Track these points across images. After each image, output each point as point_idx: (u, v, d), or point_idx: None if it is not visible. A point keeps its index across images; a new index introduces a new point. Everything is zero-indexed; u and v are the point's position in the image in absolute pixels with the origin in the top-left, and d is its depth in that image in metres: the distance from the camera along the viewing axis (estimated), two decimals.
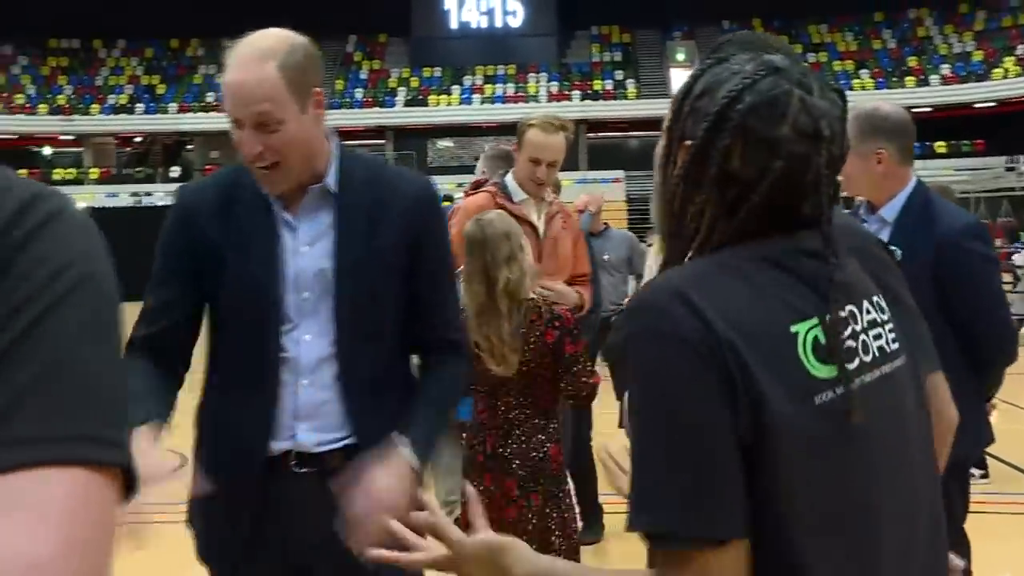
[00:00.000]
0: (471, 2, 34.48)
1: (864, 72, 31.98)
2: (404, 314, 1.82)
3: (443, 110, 32.41)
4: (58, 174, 30.56)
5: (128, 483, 0.63)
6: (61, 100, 33.08)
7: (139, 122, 32.83)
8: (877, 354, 1.01)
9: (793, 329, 0.95)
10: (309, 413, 1.77)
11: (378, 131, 31.67)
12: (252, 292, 1.76)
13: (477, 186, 3.59)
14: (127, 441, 0.63)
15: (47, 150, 33.86)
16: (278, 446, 1.77)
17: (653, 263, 3.77)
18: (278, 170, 1.70)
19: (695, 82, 1.05)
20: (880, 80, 31.24)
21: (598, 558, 4.25)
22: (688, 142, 1.02)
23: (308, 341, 1.77)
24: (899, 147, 2.58)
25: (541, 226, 3.39)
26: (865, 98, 3.06)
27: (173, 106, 33.11)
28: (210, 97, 33.39)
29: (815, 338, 0.96)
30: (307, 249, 1.77)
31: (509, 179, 3.38)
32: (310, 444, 1.77)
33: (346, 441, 1.78)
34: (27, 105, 32.72)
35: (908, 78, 31.41)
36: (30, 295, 0.62)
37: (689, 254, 1.04)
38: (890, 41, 33.63)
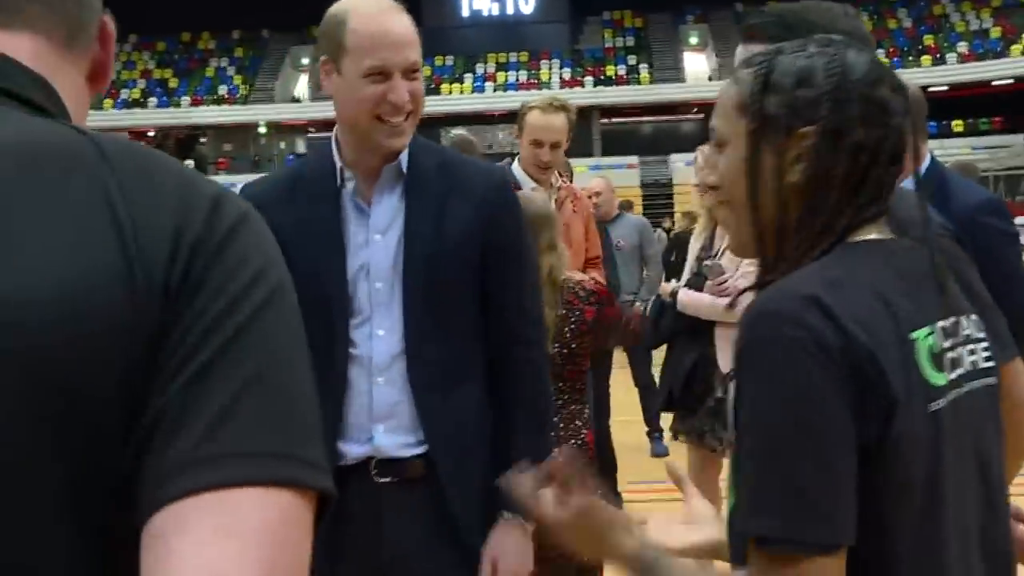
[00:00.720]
0: None
1: (879, 52, 31.59)
2: (478, 309, 1.76)
3: (456, 99, 32.34)
4: None
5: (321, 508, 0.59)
6: None
7: (152, 116, 32.90)
8: (970, 369, 1.04)
9: (912, 336, 0.97)
10: (385, 414, 1.71)
11: None
12: (318, 280, 1.69)
13: None
14: (326, 462, 0.60)
15: None
16: (357, 451, 1.71)
17: (696, 246, 3.70)
18: (410, 120, 1.71)
19: (767, 80, 1.04)
20: (895, 59, 30.94)
21: None
22: (807, 128, 1.02)
23: (381, 336, 1.71)
24: (912, 123, 2.52)
25: None
26: None
27: (186, 99, 33.18)
28: (222, 90, 33.43)
29: (930, 346, 0.99)
30: (379, 238, 1.72)
31: (516, 168, 3.33)
32: (390, 447, 1.71)
33: (424, 448, 1.71)
34: None
35: (924, 57, 31.09)
36: (231, 304, 0.59)
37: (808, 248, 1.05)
38: (905, 20, 33.28)
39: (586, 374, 2.85)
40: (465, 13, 34.55)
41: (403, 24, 1.70)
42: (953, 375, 1.00)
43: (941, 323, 1.01)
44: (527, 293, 1.82)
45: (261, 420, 0.57)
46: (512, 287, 1.78)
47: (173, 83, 34.02)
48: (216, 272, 0.60)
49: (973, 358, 1.05)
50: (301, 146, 32.81)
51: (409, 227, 1.71)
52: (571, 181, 4.11)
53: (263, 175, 2.07)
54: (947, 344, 1.01)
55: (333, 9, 1.72)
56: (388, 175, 1.74)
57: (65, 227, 0.58)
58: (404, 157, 1.74)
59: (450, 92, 32.72)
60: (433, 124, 31.76)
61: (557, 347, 2.69)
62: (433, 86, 32.89)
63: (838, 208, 1.03)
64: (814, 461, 0.92)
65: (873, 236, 1.05)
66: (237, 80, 33.75)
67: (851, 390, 0.92)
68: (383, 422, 1.71)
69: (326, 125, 38.26)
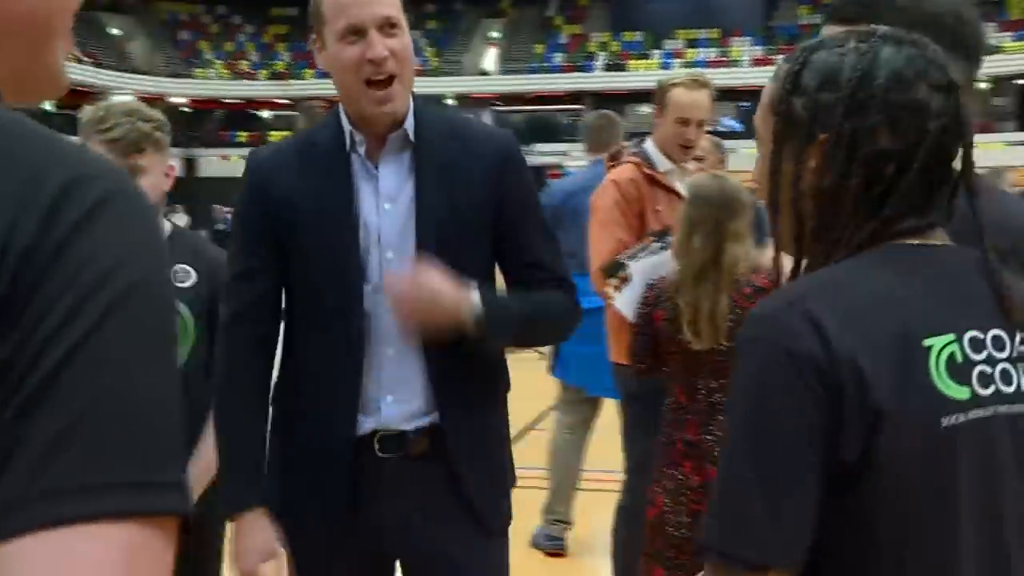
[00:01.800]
0: None
1: None
2: (491, 273, 1.76)
3: (642, 75, 31.93)
4: (274, 136, 32.57)
5: (183, 523, 0.55)
6: (279, 66, 35.07)
7: None
8: (1013, 390, 0.94)
9: (927, 343, 0.90)
10: (394, 385, 1.70)
11: (576, 96, 31.63)
12: (333, 248, 1.69)
13: (614, 158, 3.47)
14: (183, 478, 0.55)
15: (266, 113, 36.05)
16: (366, 424, 1.70)
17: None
18: (397, 84, 1.69)
19: (796, 80, 0.99)
20: None
21: None
22: (822, 136, 0.96)
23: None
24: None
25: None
26: None
27: None
28: (415, 62, 34.39)
29: (951, 355, 0.91)
30: (389, 207, 1.71)
31: (650, 147, 3.20)
32: (396, 419, 1.70)
33: (430, 419, 1.71)
34: (250, 71, 34.93)
35: None
36: (65, 317, 0.52)
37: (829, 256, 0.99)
38: None
39: None
40: None
41: None
42: (985, 391, 0.92)
43: (974, 333, 0.92)
44: (544, 247, 1.79)
45: (100, 447, 0.52)
46: (530, 240, 1.77)
47: None
48: (50, 282, 0.53)
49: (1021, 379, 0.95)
50: (487, 119, 33.37)
51: (420, 197, 1.69)
52: (724, 162, 3.96)
53: (273, 141, 2.10)
54: (978, 357, 0.92)
55: None
56: (394, 143, 1.72)
57: None
58: (410, 124, 1.72)
59: (637, 69, 32.36)
60: (619, 100, 31.52)
61: (722, 342, 2.58)
62: (620, 62, 32.64)
63: (854, 222, 0.96)
64: (760, 477, 0.88)
65: (910, 242, 0.97)
66: (428, 53, 34.63)
67: (823, 400, 0.87)
68: (392, 393, 1.70)
69: (513, 99, 38.65)
